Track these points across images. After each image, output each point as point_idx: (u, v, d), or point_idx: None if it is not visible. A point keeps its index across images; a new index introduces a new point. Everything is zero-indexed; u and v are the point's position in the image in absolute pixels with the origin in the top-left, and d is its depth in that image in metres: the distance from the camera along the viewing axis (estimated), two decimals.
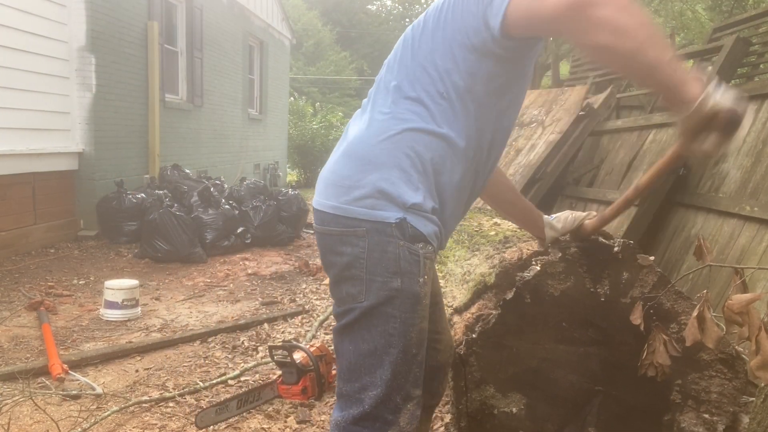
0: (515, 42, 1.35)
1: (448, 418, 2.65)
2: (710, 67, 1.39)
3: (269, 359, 3.10)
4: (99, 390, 2.88)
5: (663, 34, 1.28)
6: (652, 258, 1.81)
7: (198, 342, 3.71)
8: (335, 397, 1.53)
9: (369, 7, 41.77)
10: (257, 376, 3.22)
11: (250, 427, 2.61)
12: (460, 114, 1.41)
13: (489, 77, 1.40)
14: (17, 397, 2.71)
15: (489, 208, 4.74)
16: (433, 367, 1.70)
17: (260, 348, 3.62)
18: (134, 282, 4.24)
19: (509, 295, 1.84)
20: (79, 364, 3.20)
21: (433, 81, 1.40)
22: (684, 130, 1.29)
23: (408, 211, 1.37)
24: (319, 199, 1.49)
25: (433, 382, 1.75)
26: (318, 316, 4.28)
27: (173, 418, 2.67)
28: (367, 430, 1.42)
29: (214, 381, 3.07)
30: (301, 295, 4.91)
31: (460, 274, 2.54)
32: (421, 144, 1.39)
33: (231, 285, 5.20)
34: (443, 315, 1.78)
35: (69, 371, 3.05)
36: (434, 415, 2.72)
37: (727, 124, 1.27)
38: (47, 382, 2.97)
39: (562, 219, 1.84)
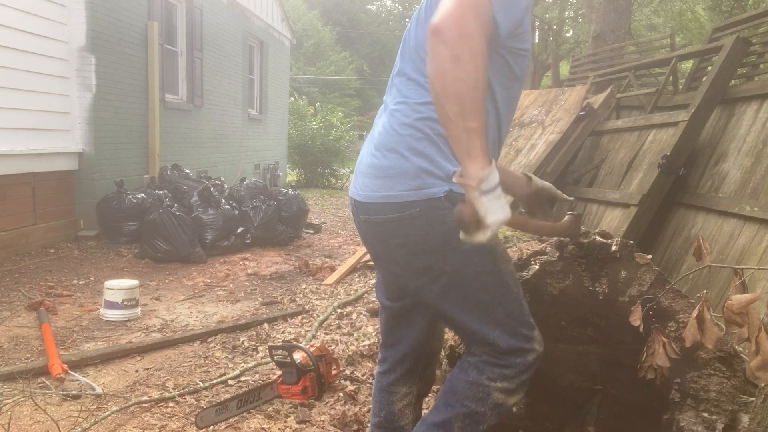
0: None
1: None
2: (492, 173, 1.36)
3: (269, 359, 3.10)
4: (99, 390, 2.88)
5: (479, 102, 1.33)
6: (649, 256, 1.81)
7: (198, 342, 3.71)
8: (462, 360, 1.65)
9: (369, 7, 41.79)
10: (257, 376, 3.22)
11: (250, 427, 2.61)
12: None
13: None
14: (17, 397, 2.71)
15: None
16: (428, 354, 1.86)
17: (260, 348, 3.62)
18: (134, 282, 4.24)
19: None
20: (79, 364, 3.20)
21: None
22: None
23: (449, 181, 1.49)
24: (365, 192, 1.60)
25: (427, 371, 1.88)
26: (318, 316, 4.28)
27: (173, 418, 2.68)
28: (517, 357, 1.56)
29: (214, 381, 3.07)
30: (301, 295, 4.91)
31: None
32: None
33: (231, 285, 5.20)
34: None
35: (69, 371, 3.05)
36: None
37: (465, 222, 1.34)
38: (47, 382, 2.97)
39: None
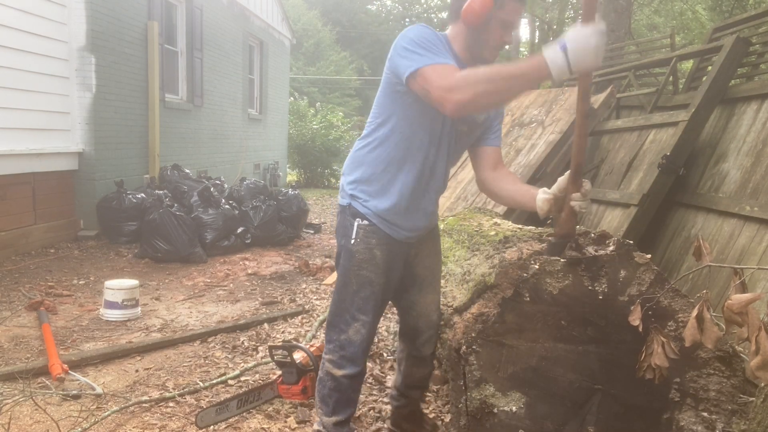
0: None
1: (448, 417, 2.65)
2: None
3: (269, 359, 3.10)
4: (99, 390, 2.88)
5: (498, 69, 1.79)
6: (648, 256, 1.81)
7: (198, 342, 3.71)
8: None
9: (369, 7, 41.76)
10: (257, 376, 3.22)
11: (250, 427, 2.61)
12: (389, 135, 2.10)
13: (397, 99, 2.07)
14: (17, 397, 2.71)
15: (489, 208, 4.75)
16: (411, 326, 2.38)
17: (260, 348, 3.63)
18: (134, 282, 4.24)
19: (508, 293, 1.85)
20: (79, 364, 3.20)
21: (373, 117, 2.16)
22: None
23: (351, 198, 2.16)
24: None
25: (416, 342, 2.38)
26: (318, 316, 4.29)
27: (173, 418, 2.68)
28: (333, 332, 2.20)
29: (214, 381, 3.07)
30: (301, 295, 4.91)
31: (460, 274, 2.54)
32: (364, 158, 2.16)
33: (231, 285, 5.20)
34: (425, 291, 2.34)
35: (69, 371, 3.05)
36: (434, 414, 2.72)
37: None
38: (47, 382, 2.97)
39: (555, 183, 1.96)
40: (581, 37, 1.61)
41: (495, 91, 1.78)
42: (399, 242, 2.16)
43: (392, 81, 2.04)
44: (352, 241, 2.12)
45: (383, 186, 2.13)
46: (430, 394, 2.93)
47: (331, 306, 2.23)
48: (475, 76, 1.77)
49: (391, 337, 3.75)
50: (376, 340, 3.73)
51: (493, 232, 2.73)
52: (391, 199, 2.12)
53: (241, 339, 3.77)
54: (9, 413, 2.58)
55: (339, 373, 2.17)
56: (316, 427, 2.28)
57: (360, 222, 2.12)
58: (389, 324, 3.93)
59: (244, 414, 2.70)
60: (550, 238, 1.96)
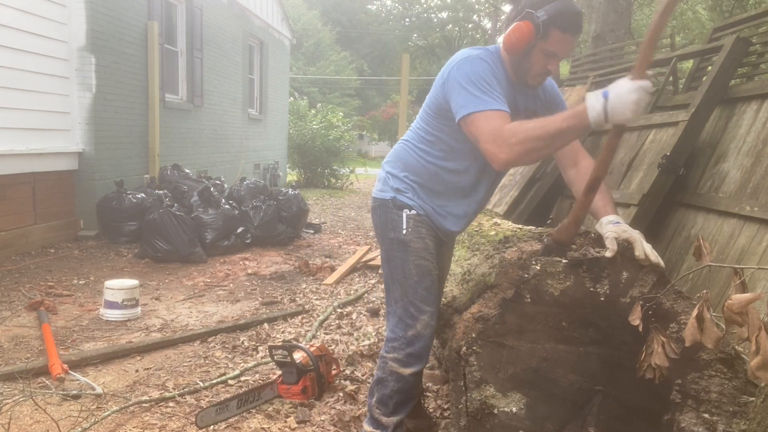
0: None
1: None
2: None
3: (269, 359, 3.10)
4: (99, 390, 2.88)
5: (534, 138, 1.79)
6: None
7: (198, 342, 3.71)
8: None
9: (369, 7, 41.76)
10: (257, 376, 3.22)
11: (250, 427, 2.61)
12: (433, 151, 2.19)
13: (450, 126, 2.09)
14: (17, 397, 2.71)
15: (489, 207, 4.75)
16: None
17: (260, 348, 3.62)
18: (134, 282, 4.24)
19: (509, 294, 1.84)
20: (79, 364, 3.20)
21: (421, 130, 2.24)
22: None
23: (395, 192, 2.23)
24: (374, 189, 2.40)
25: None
26: (318, 316, 4.28)
27: (173, 418, 2.68)
28: (399, 329, 2.15)
29: (214, 381, 3.07)
30: (301, 295, 4.91)
31: (460, 274, 2.54)
32: (408, 158, 2.25)
33: (231, 285, 5.20)
34: (439, 290, 2.34)
35: (69, 371, 3.05)
36: (434, 415, 2.72)
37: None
38: (47, 382, 2.97)
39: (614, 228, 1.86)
40: (624, 89, 1.62)
41: (543, 147, 1.81)
42: (439, 237, 2.25)
43: (442, 105, 2.07)
44: (404, 232, 2.16)
45: (425, 192, 2.22)
46: (430, 394, 2.93)
47: (392, 303, 2.20)
48: (524, 134, 1.78)
49: None
50: (376, 339, 3.73)
51: (493, 232, 2.73)
52: (432, 205, 2.22)
53: (241, 339, 3.77)
54: (9, 413, 2.57)
55: (407, 371, 2.13)
56: (368, 428, 2.22)
57: (408, 212, 2.18)
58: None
59: (244, 414, 2.70)
60: (545, 239, 1.96)
